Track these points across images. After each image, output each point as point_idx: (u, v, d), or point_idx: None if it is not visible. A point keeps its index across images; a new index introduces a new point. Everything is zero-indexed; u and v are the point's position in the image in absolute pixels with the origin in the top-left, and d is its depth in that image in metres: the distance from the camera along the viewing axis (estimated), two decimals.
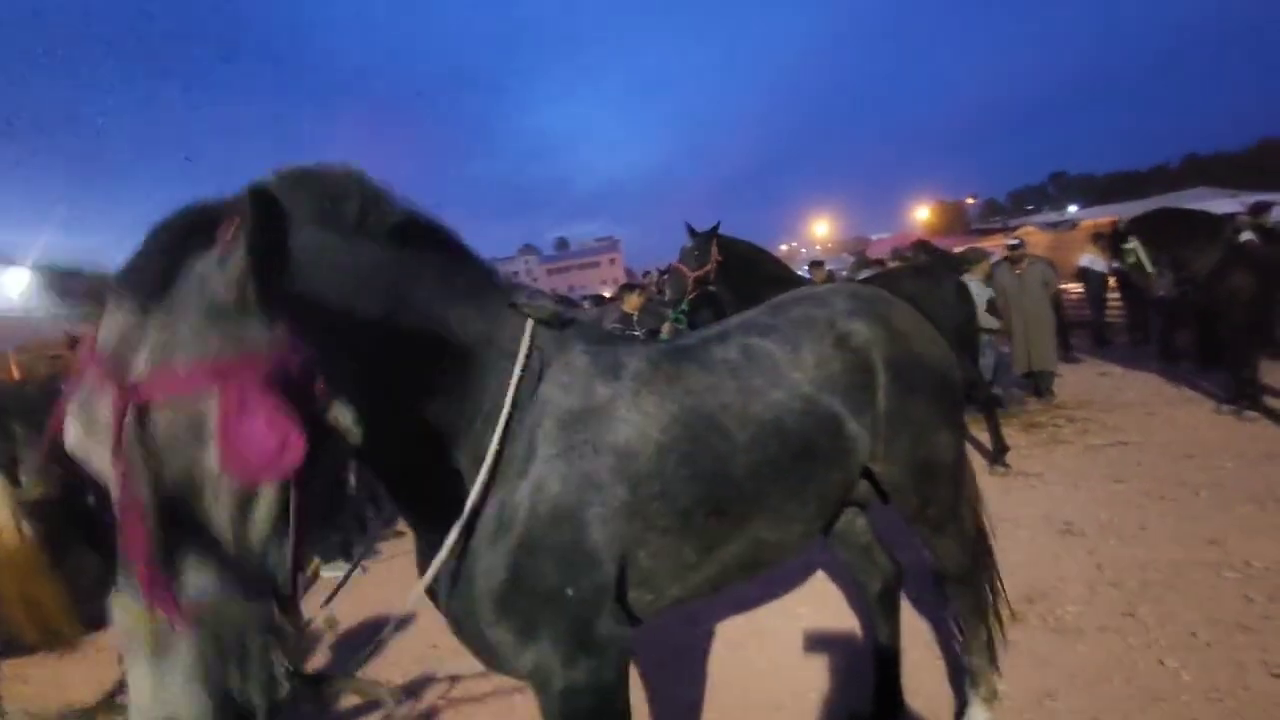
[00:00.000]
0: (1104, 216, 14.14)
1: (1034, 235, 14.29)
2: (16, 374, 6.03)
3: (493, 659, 1.41)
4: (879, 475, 1.85)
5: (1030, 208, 57.73)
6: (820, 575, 3.54)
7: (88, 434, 0.81)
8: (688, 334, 1.79)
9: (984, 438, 5.15)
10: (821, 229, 57.41)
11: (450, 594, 1.37)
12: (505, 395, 1.33)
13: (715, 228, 4.94)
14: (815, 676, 2.73)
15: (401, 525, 5.40)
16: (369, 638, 3.41)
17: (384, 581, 4.31)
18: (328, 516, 0.97)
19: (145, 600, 0.74)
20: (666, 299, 6.74)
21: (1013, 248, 7.01)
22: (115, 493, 0.77)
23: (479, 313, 1.35)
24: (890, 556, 2.36)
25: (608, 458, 1.39)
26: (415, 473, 1.33)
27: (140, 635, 0.76)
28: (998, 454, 4.97)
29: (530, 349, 1.38)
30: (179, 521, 0.78)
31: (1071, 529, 3.77)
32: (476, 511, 1.29)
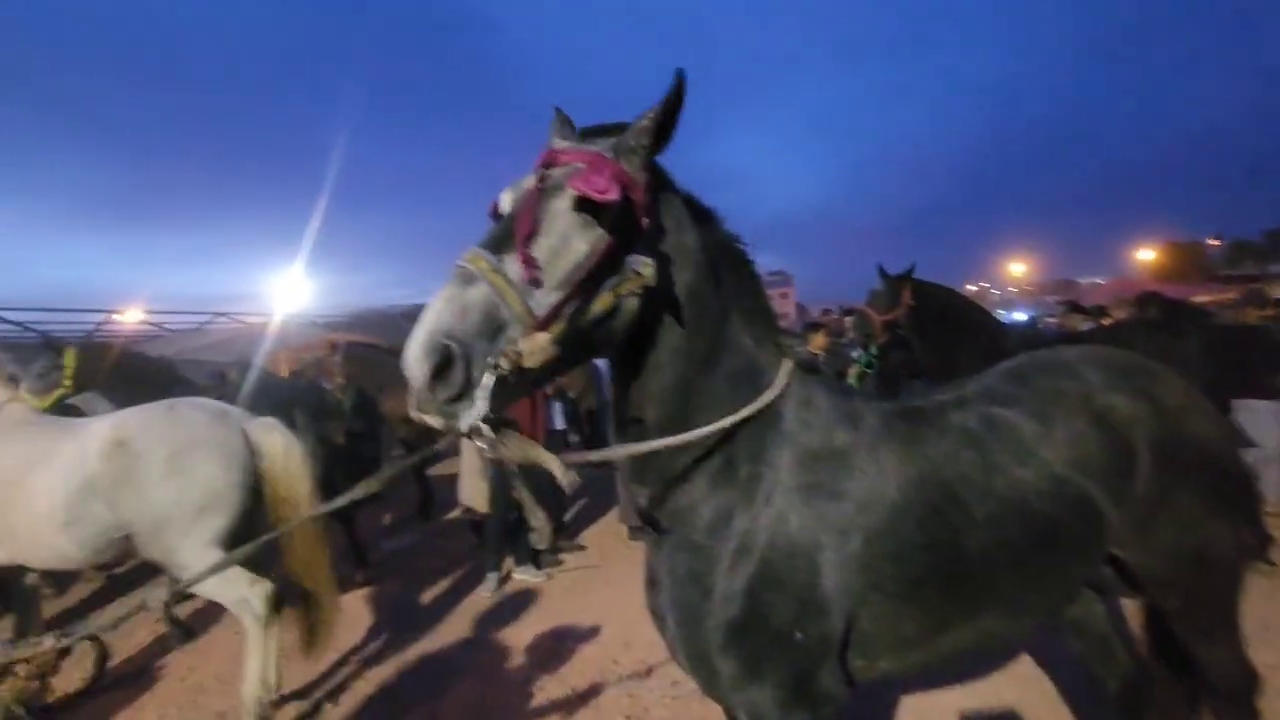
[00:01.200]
0: None
1: None
2: (285, 370, 7.25)
3: (713, 687, 1.40)
4: (1132, 566, 1.65)
5: None
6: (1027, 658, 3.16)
7: (514, 191, 1.22)
8: (915, 393, 1.69)
9: None
10: (1018, 269, 52.16)
11: (680, 615, 1.38)
12: (762, 414, 1.36)
13: (909, 271, 4.72)
14: None
15: (584, 538, 5.70)
16: (555, 647, 3.69)
17: (569, 591, 4.56)
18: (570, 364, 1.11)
19: (517, 260, 1.09)
20: (846, 341, 6.54)
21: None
22: (519, 204, 1.16)
23: (750, 330, 1.42)
24: (1131, 651, 2.06)
25: (845, 504, 1.36)
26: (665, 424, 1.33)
27: (487, 278, 1.07)
28: (1260, 548, 4.13)
29: (785, 382, 1.42)
30: (518, 231, 1.11)
31: None
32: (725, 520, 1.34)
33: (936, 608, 1.43)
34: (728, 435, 1.35)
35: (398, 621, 4.26)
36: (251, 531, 3.17)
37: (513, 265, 1.09)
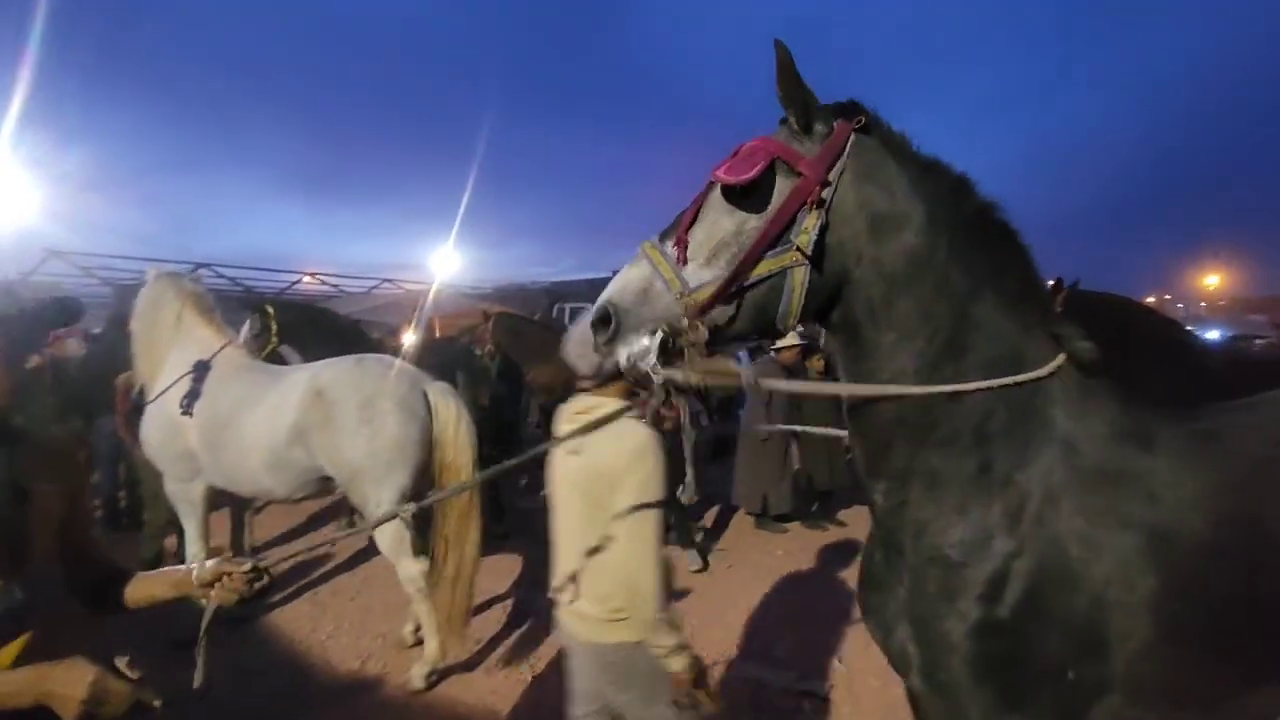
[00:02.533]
0: None
1: None
2: (438, 333, 7.91)
3: (953, 715, 1.25)
4: None
5: None
6: None
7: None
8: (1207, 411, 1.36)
9: None
10: (1211, 281, 45.53)
11: (926, 636, 1.25)
12: (1028, 416, 1.23)
13: (1058, 281, 4.33)
14: None
15: (706, 523, 5.74)
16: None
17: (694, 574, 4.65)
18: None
19: (674, 245, 1.24)
20: None
21: None
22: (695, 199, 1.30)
23: (1014, 315, 1.26)
24: None
25: (1138, 537, 1.16)
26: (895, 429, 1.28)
27: (649, 257, 1.24)
28: None
29: (1057, 379, 1.25)
30: (694, 220, 1.26)
31: None
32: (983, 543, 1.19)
33: (1247, 673, 1.20)
34: (983, 437, 1.22)
35: (526, 576, 4.57)
36: (421, 494, 3.50)
37: (670, 247, 1.25)
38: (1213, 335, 14.98)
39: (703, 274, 1.22)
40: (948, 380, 1.22)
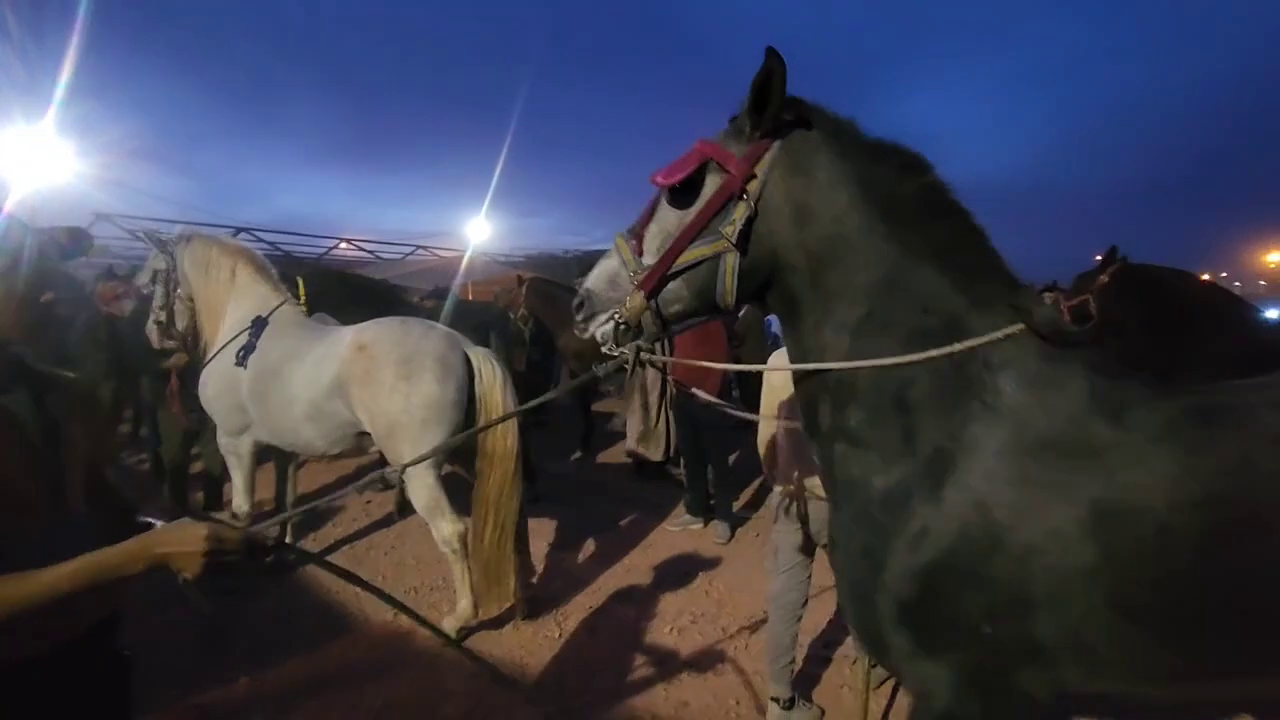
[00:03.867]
0: None
1: None
2: (470, 297, 7.97)
3: (883, 659, 1.38)
4: None
5: None
6: None
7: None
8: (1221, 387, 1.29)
9: None
10: (1275, 258, 43.32)
11: (851, 590, 1.39)
12: (964, 384, 1.26)
13: (1110, 252, 4.52)
14: None
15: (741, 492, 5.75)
16: (702, 585, 3.83)
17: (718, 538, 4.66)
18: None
19: (633, 239, 1.45)
20: None
21: None
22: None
23: (953, 286, 1.31)
24: None
25: (1080, 509, 1.16)
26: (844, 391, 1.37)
27: (619, 251, 1.47)
28: None
29: (1006, 350, 1.26)
30: (649, 219, 1.46)
31: None
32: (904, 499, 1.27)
33: (1211, 652, 1.18)
34: (905, 405, 1.29)
35: (557, 538, 4.63)
36: (459, 455, 3.55)
37: (633, 242, 1.46)
38: (1273, 314, 14.22)
39: (649, 262, 1.42)
40: (867, 352, 1.32)
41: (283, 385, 3.52)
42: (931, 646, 1.27)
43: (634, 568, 4.19)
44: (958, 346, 1.26)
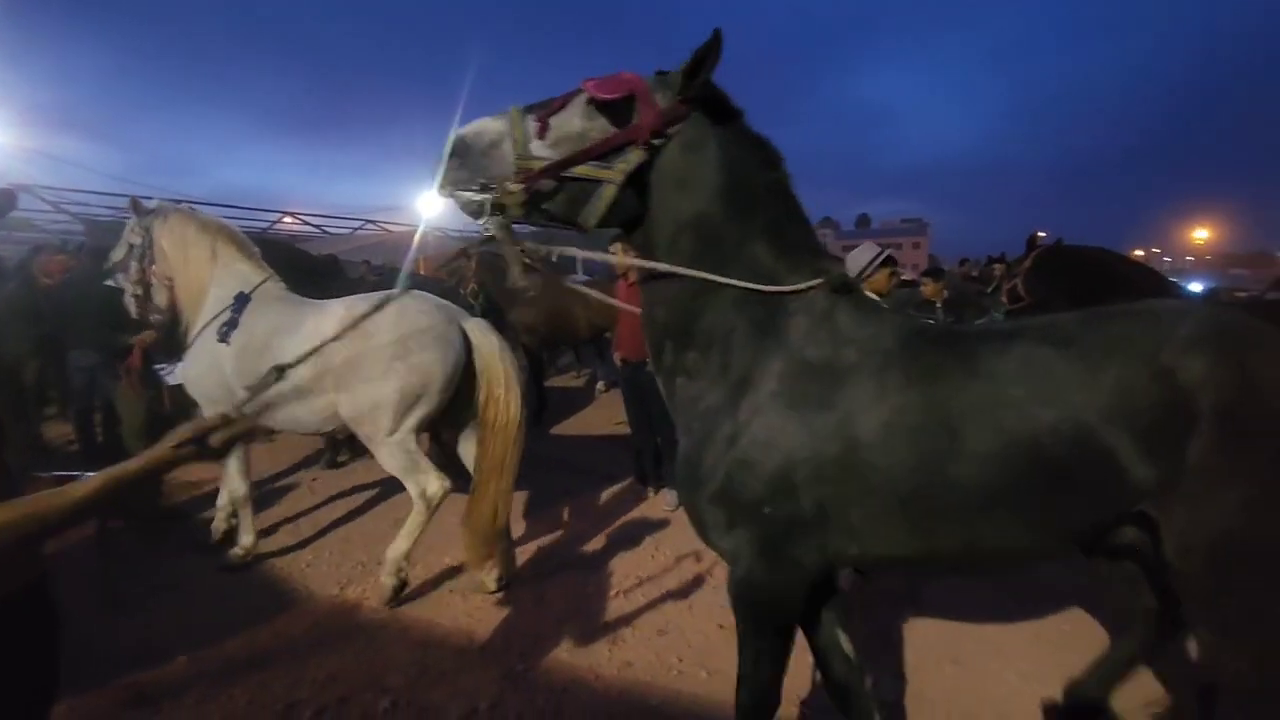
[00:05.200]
0: None
1: None
2: (423, 272, 7.82)
3: (704, 533, 1.73)
4: (1162, 535, 1.54)
5: None
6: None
7: None
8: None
9: None
10: (1200, 235, 45.54)
11: (683, 479, 1.73)
12: (764, 328, 1.62)
13: (1030, 241, 4.97)
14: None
15: None
16: (652, 552, 3.91)
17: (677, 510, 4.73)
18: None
19: (536, 120, 1.54)
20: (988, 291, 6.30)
21: None
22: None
23: (781, 255, 1.64)
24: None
25: (831, 415, 1.55)
26: (685, 328, 1.68)
27: (510, 117, 1.56)
28: None
29: (800, 301, 1.63)
30: (549, 104, 1.58)
31: None
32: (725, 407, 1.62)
33: (923, 520, 1.56)
34: (726, 344, 1.64)
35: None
36: (456, 424, 3.57)
37: (531, 121, 1.54)
38: (1196, 287, 15.05)
39: (545, 151, 1.53)
40: (706, 303, 1.64)
41: (271, 361, 3.45)
42: (731, 523, 1.63)
43: (582, 536, 4.25)
44: (756, 286, 1.61)
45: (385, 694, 2.67)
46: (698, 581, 3.54)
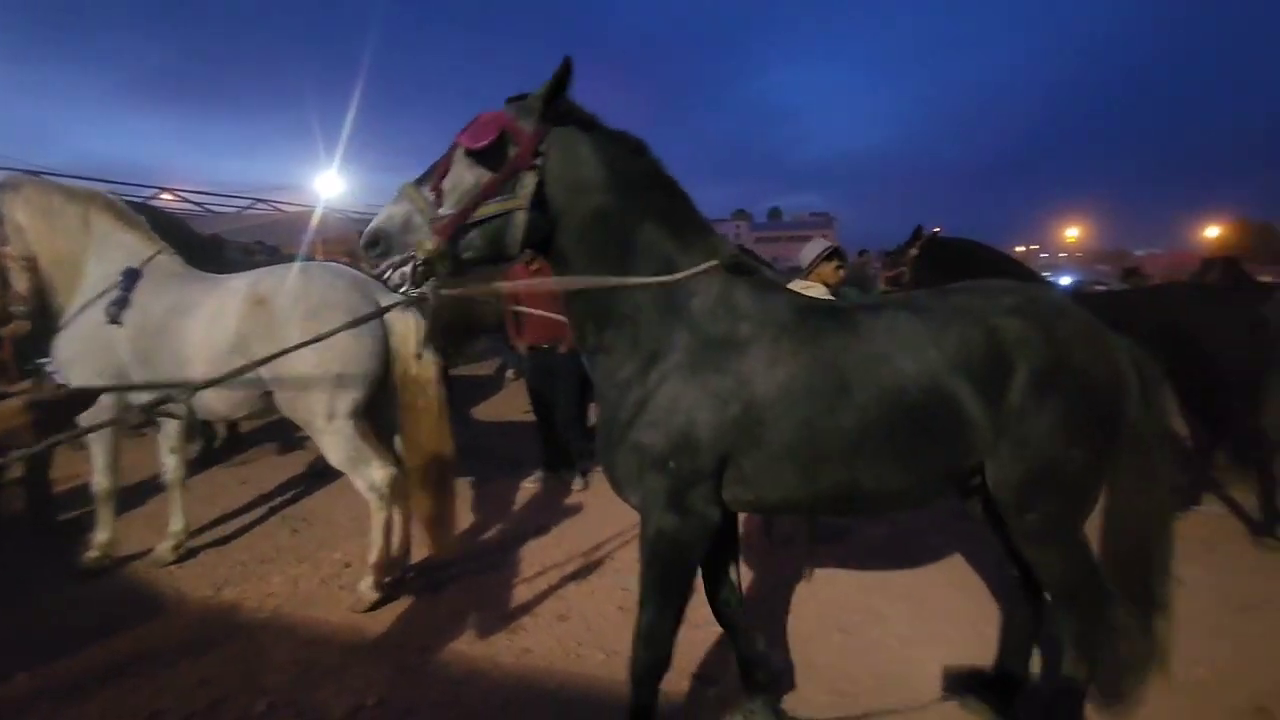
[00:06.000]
0: None
1: None
2: (320, 258, 7.36)
3: (616, 485, 1.92)
4: (989, 470, 1.89)
5: None
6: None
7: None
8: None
9: (1250, 503, 4.28)
10: (1072, 234, 49.86)
11: (602, 438, 1.93)
12: (670, 307, 1.82)
13: (918, 230, 5.14)
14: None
15: None
16: (557, 538, 3.88)
17: (596, 495, 4.71)
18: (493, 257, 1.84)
19: (430, 191, 1.71)
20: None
21: None
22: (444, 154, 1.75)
23: (674, 239, 1.85)
24: None
25: (729, 380, 1.77)
26: (602, 316, 1.86)
27: (409, 198, 1.73)
28: (1268, 523, 4.10)
29: (700, 281, 1.83)
30: (435, 171, 1.74)
31: None
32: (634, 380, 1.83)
33: (811, 464, 1.80)
34: (636, 322, 1.83)
35: None
36: (379, 411, 3.28)
37: (428, 192, 1.71)
38: (1066, 280, 16.49)
39: (450, 212, 1.69)
40: (617, 289, 1.81)
41: (174, 343, 3.14)
42: (642, 478, 1.82)
43: (485, 524, 4.16)
44: (663, 279, 1.81)
45: (263, 695, 2.50)
46: (599, 566, 3.54)
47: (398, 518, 3.32)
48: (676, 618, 1.91)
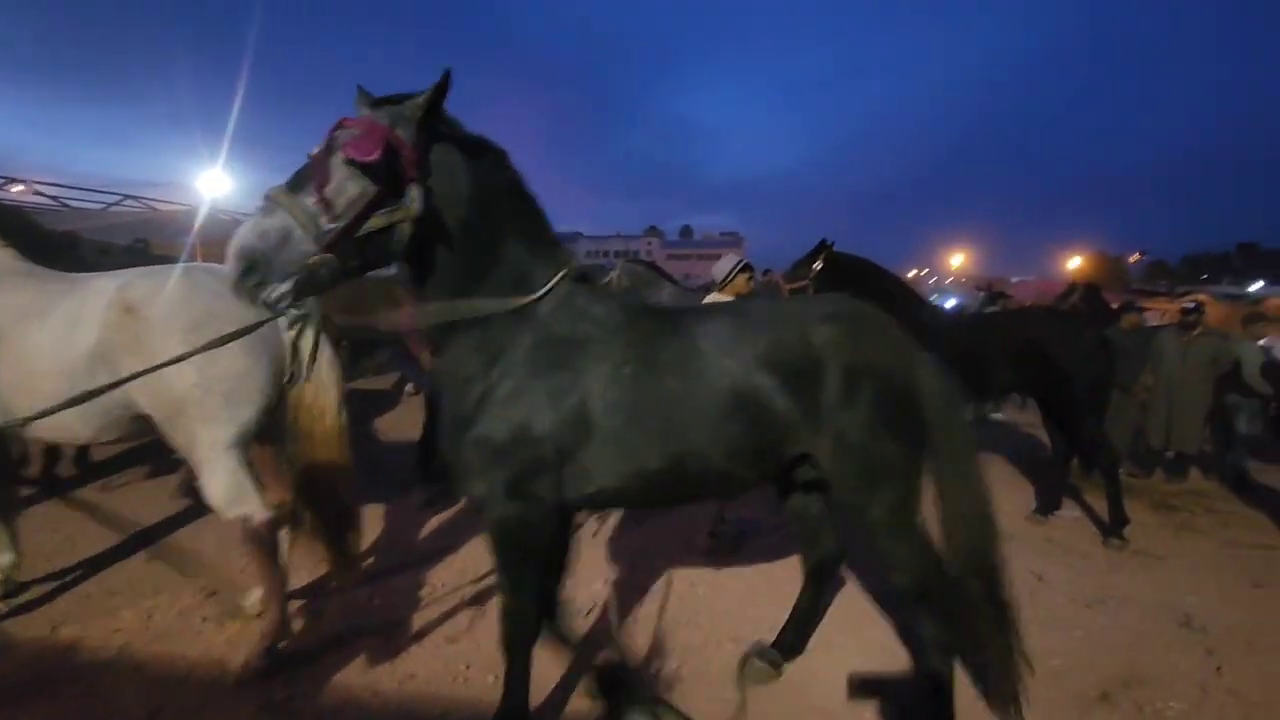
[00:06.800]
0: None
1: (1211, 306, 12.62)
2: (200, 259, 6.81)
3: (461, 479, 1.98)
4: (823, 465, 2.09)
5: (1205, 276, 51.25)
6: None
7: (316, 150, 1.69)
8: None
9: (1101, 507, 4.73)
10: (957, 260, 54.00)
11: (448, 432, 1.98)
12: (519, 310, 1.91)
13: (821, 243, 5.30)
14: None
15: None
16: (438, 559, 3.71)
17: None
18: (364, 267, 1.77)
19: (315, 201, 1.62)
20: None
21: (1188, 311, 6.21)
22: (316, 159, 1.67)
23: (531, 250, 1.95)
24: (837, 540, 2.68)
25: (567, 374, 1.90)
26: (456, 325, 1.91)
27: (286, 208, 1.62)
28: (1114, 525, 4.53)
29: (550, 287, 1.94)
30: (313, 177, 1.64)
31: (1191, 623, 3.38)
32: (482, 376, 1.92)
33: (641, 451, 1.93)
34: (485, 324, 1.90)
35: None
36: (275, 435, 2.90)
37: (308, 200, 1.61)
38: (951, 302, 17.74)
39: (335, 224, 1.62)
40: (469, 295, 1.88)
41: (17, 355, 2.63)
42: (484, 468, 1.90)
43: (375, 546, 3.93)
44: (522, 301, 1.91)
45: None
46: (493, 585, 3.42)
47: (285, 563, 2.94)
48: (532, 594, 2.09)
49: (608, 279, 6.33)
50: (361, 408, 6.95)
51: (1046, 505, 5.01)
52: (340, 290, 1.97)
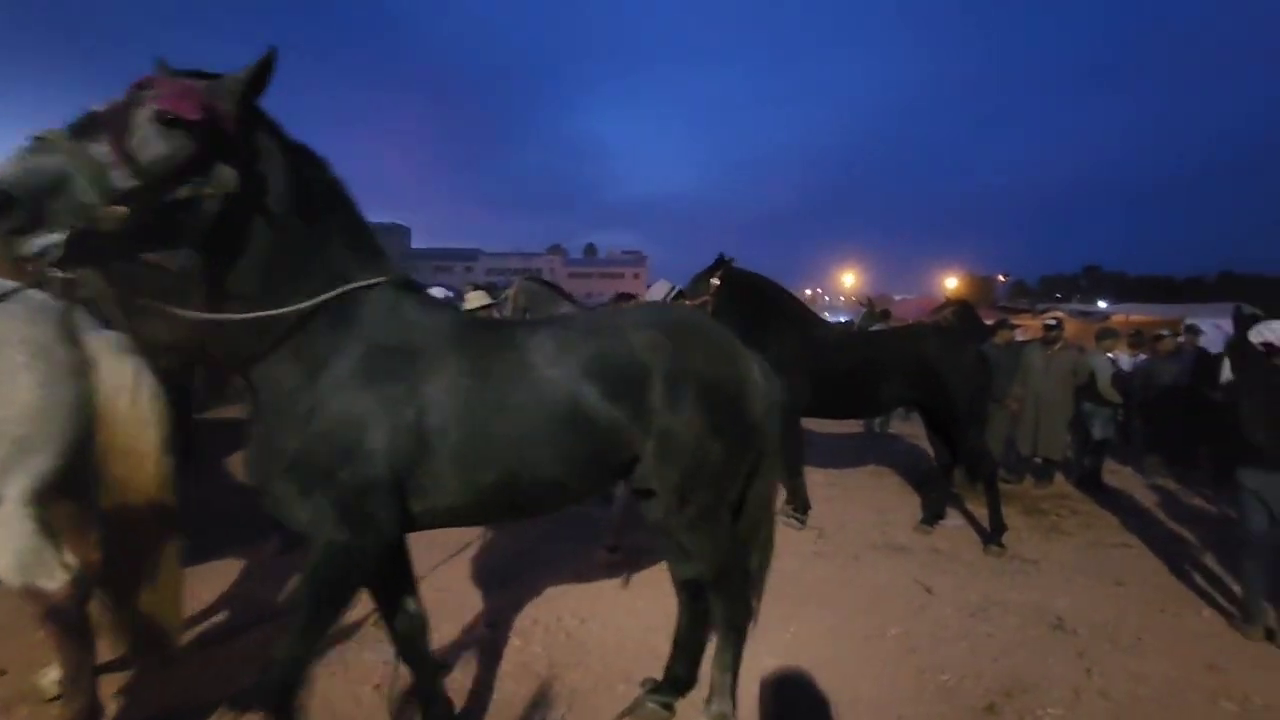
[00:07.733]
0: (1137, 315, 13.83)
1: (1067, 322, 13.94)
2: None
3: (278, 508, 1.79)
4: (645, 467, 2.07)
5: (1059, 295, 57.11)
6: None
7: (108, 103, 1.47)
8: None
9: (981, 514, 4.94)
10: (848, 280, 57.28)
11: (258, 454, 1.79)
12: (338, 316, 1.77)
13: (719, 259, 5.35)
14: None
15: None
16: None
17: None
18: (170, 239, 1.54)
19: (105, 146, 1.39)
20: None
21: (1050, 328, 6.76)
22: (111, 109, 1.44)
23: (352, 256, 1.83)
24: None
25: (400, 386, 1.77)
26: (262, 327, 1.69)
27: (65, 152, 1.35)
28: (994, 533, 4.74)
29: (370, 294, 1.82)
30: (107, 127, 1.41)
31: (1063, 625, 3.53)
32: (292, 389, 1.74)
33: (477, 467, 1.84)
34: (310, 331, 1.74)
35: None
36: (80, 486, 2.32)
37: (99, 149, 1.38)
38: (842, 319, 18.66)
39: (130, 183, 1.39)
40: (280, 297, 1.69)
41: None
42: (310, 491, 1.72)
43: (234, 598, 3.46)
44: (323, 298, 1.74)
45: None
46: (349, 640, 3.05)
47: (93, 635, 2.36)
48: (318, 642, 1.89)
49: (504, 296, 6.09)
50: (214, 440, 6.19)
51: (932, 515, 5.19)
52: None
